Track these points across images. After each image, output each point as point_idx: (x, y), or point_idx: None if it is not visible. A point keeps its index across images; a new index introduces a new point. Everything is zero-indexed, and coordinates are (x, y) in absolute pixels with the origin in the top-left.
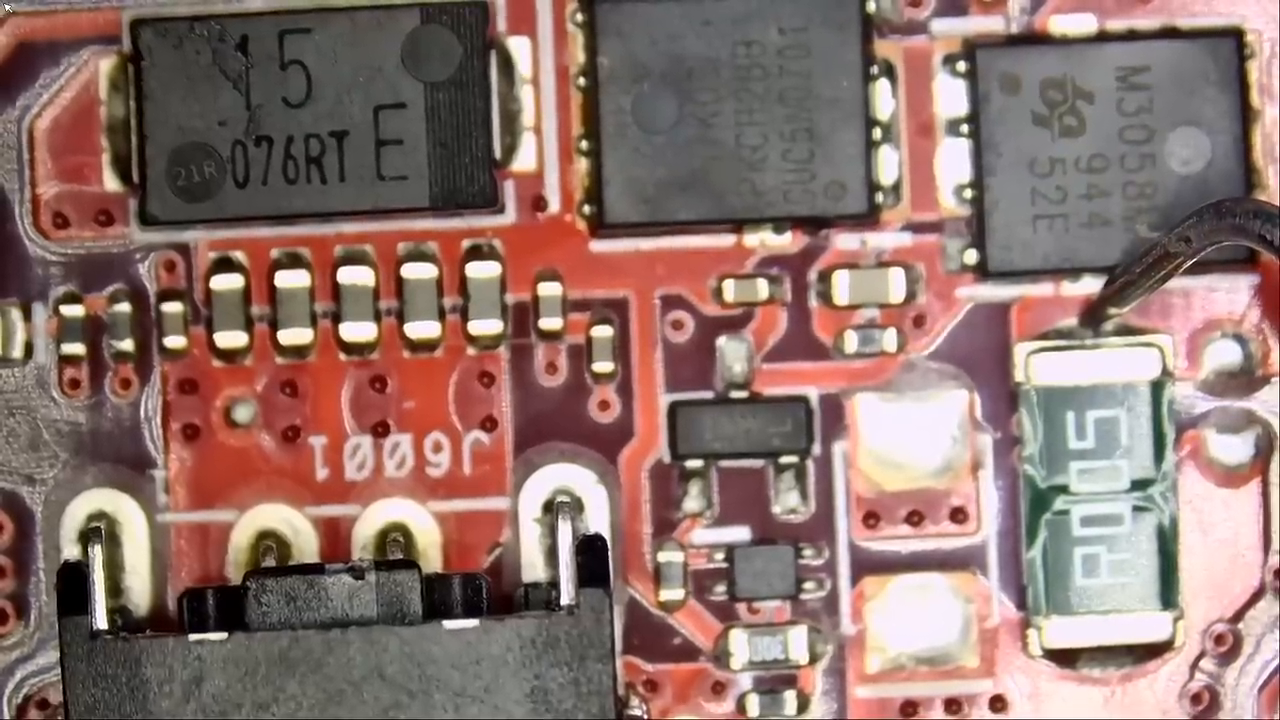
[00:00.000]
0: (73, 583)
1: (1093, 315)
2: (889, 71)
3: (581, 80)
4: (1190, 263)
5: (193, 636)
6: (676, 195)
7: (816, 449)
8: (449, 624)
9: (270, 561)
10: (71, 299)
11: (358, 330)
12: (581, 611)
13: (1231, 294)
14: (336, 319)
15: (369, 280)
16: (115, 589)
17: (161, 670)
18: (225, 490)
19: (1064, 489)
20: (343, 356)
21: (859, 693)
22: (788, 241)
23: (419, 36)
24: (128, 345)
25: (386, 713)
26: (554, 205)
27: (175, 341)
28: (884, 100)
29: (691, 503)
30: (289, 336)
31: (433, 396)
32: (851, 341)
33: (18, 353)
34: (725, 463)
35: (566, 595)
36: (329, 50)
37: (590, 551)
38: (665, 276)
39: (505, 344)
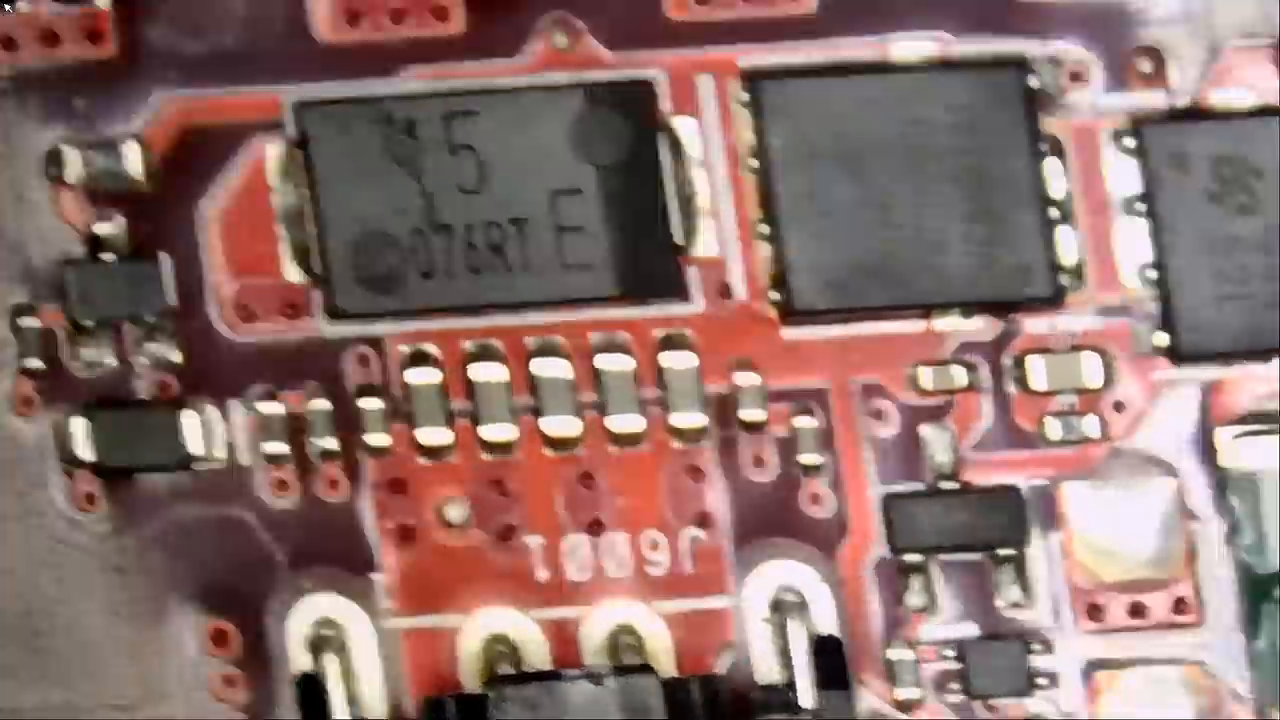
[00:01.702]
0: (310, 693)
1: None
2: (1058, 149)
3: (753, 161)
4: None
5: None
6: (862, 280)
7: (1033, 540)
8: None
9: (505, 668)
10: (268, 396)
11: (560, 425)
12: (825, 715)
13: None
14: (537, 413)
15: (566, 373)
16: (350, 697)
17: None
18: (447, 593)
19: None
20: (548, 452)
21: None
22: (980, 327)
23: (586, 118)
24: (331, 444)
25: None
26: (740, 291)
27: (378, 439)
28: (1056, 178)
29: (914, 598)
30: (490, 432)
31: (643, 492)
32: (1054, 429)
33: (220, 453)
34: (944, 556)
35: (807, 698)
36: (497, 134)
37: (826, 653)
38: (860, 364)
39: (710, 437)
